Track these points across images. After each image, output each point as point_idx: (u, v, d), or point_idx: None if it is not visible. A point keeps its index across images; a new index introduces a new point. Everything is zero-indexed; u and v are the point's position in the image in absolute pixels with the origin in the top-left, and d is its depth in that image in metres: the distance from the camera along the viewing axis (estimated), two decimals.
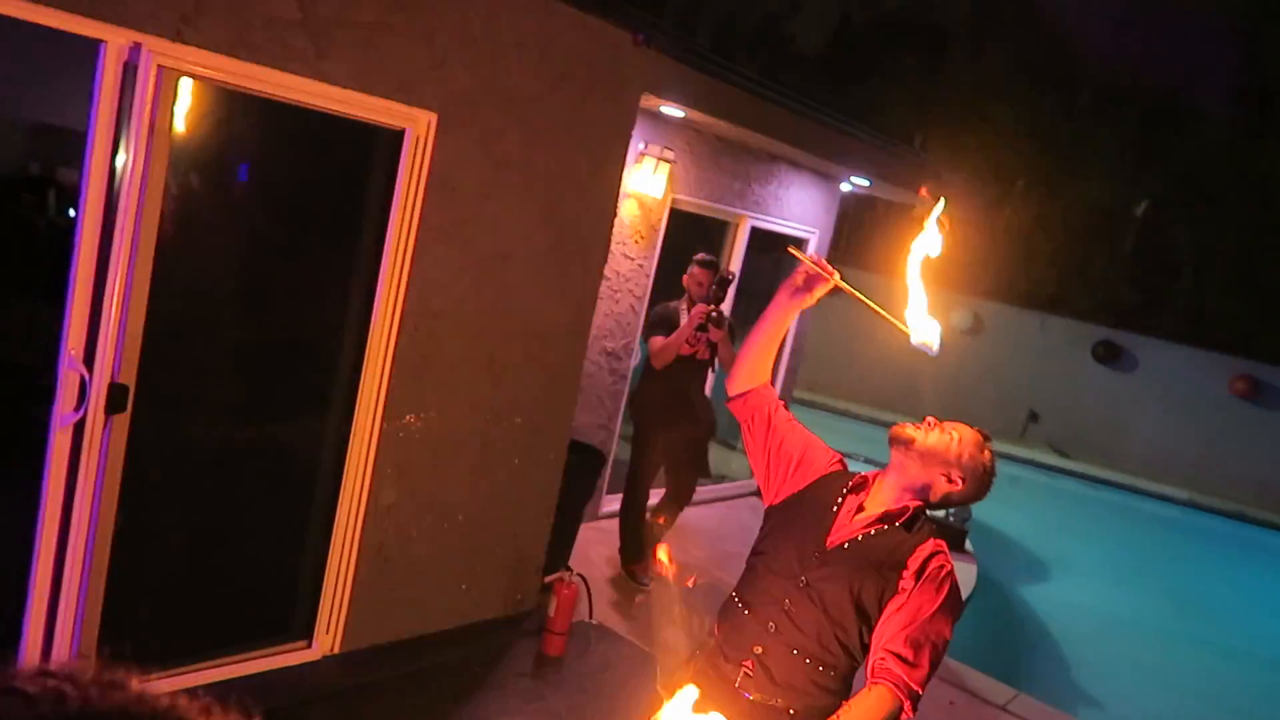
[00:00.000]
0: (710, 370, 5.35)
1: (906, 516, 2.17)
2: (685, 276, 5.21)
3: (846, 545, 2.16)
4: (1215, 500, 12.81)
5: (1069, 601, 7.70)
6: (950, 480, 2.17)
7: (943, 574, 2.10)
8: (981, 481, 2.19)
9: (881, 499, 2.21)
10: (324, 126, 3.31)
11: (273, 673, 3.62)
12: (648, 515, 5.37)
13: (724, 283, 4.99)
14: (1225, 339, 13.94)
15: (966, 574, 6.70)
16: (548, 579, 4.57)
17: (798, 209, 7.11)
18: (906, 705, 1.98)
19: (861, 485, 2.27)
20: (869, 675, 2.05)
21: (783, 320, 2.37)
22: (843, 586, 2.12)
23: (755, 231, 6.77)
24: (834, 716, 2.05)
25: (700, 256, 5.19)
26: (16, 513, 3.05)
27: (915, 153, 8.35)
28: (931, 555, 2.11)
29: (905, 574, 2.09)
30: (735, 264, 6.70)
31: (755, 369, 2.39)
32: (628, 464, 5.33)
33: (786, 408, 2.44)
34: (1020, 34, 18.66)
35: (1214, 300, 16.36)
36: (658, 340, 5.03)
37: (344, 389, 3.64)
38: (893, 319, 2.26)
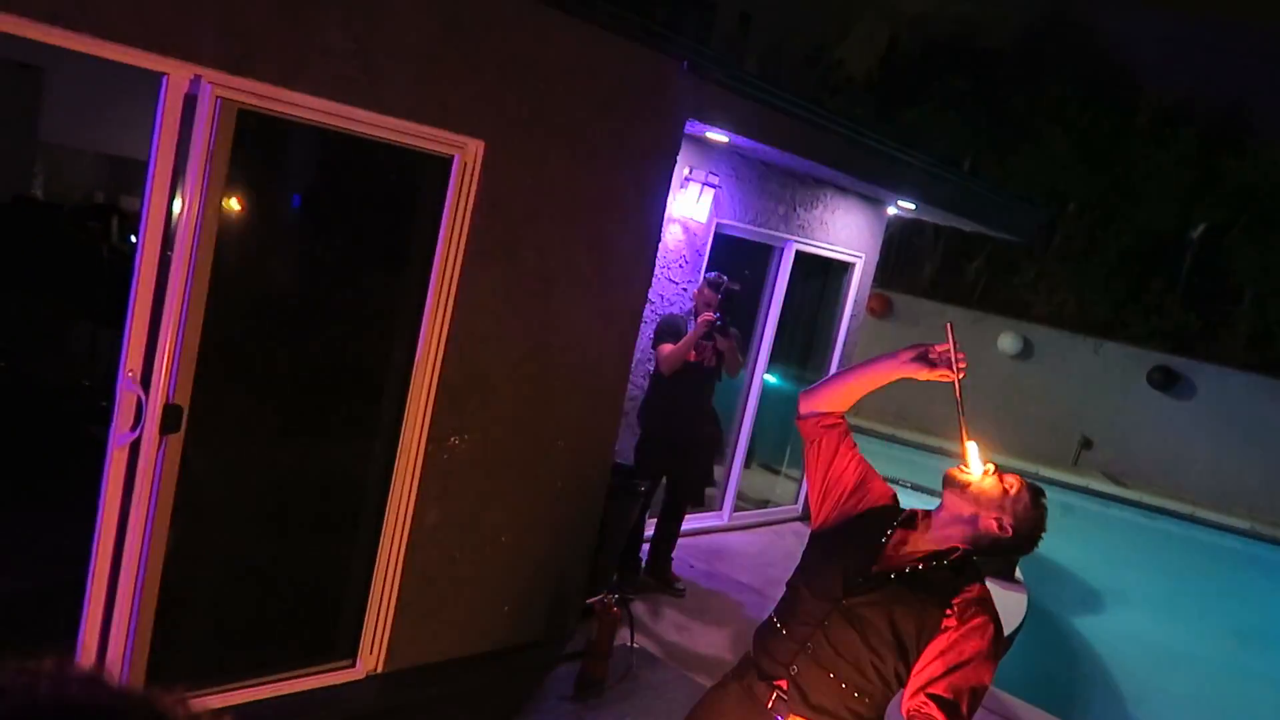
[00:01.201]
0: (717, 378, 5.57)
1: (955, 558, 2.16)
2: (695, 292, 5.53)
3: (893, 575, 2.14)
4: (1278, 530, 12.41)
5: (1124, 633, 7.50)
6: (1001, 528, 2.16)
7: (988, 619, 2.08)
8: (1031, 534, 2.19)
9: (931, 537, 2.21)
10: (373, 154, 3.39)
11: (317, 691, 3.66)
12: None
13: (729, 294, 5.29)
14: None
15: (1016, 603, 6.56)
16: (590, 602, 4.57)
17: (844, 233, 7.09)
18: None
19: (911, 520, 2.26)
20: (905, 715, 2.02)
21: (888, 377, 2.37)
22: (883, 614, 2.10)
23: (800, 255, 6.76)
24: None
25: (709, 276, 5.43)
26: (75, 529, 3.15)
27: (964, 176, 8.28)
28: (979, 600, 2.10)
29: (950, 615, 2.07)
30: (780, 289, 6.70)
31: (837, 399, 2.42)
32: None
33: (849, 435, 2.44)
34: (1074, 55, 18.46)
35: (1277, 325, 15.92)
36: (666, 348, 5.30)
37: (390, 411, 3.69)
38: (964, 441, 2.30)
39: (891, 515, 2.28)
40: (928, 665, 2.04)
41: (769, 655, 2.23)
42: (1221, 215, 16.60)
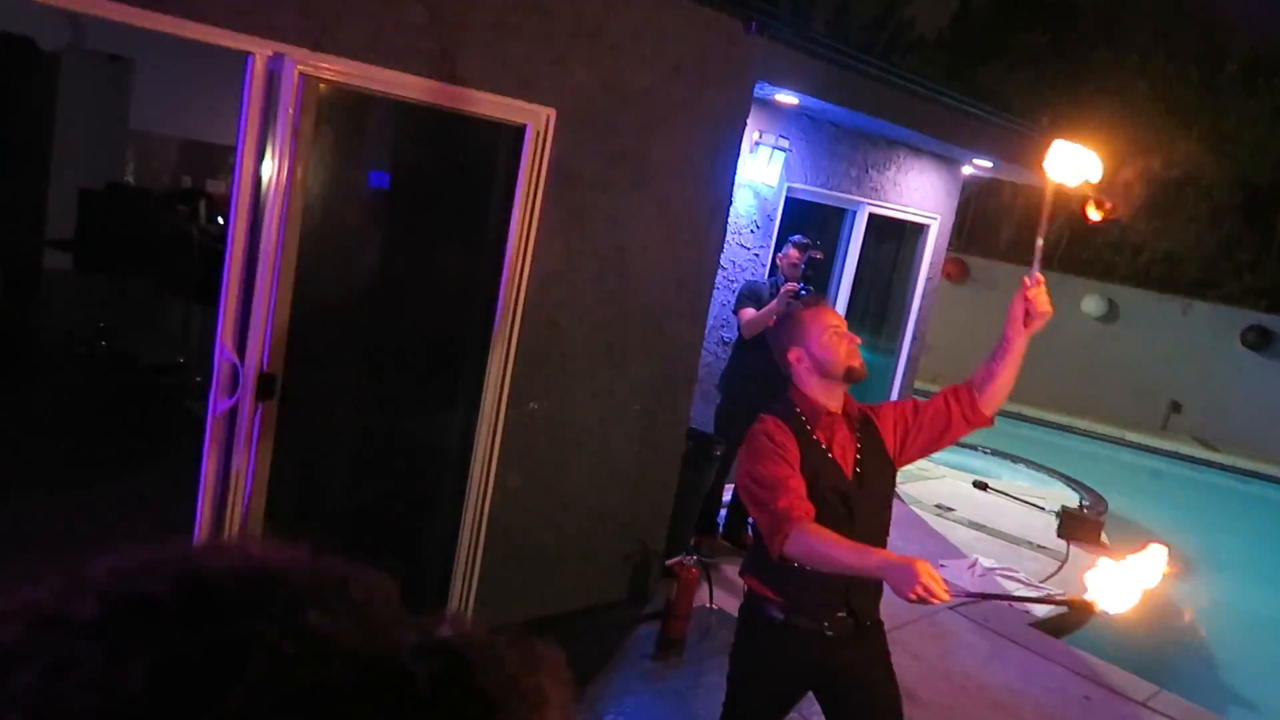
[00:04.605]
0: None
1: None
2: (779, 256, 5.42)
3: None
4: None
5: (1215, 599, 7.29)
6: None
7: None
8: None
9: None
10: (450, 126, 3.46)
11: None
12: None
13: (814, 262, 5.21)
14: None
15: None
16: (669, 563, 4.64)
17: (917, 194, 6.97)
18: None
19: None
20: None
21: (1021, 350, 2.41)
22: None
23: (873, 218, 6.67)
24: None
25: (795, 239, 5.34)
26: (179, 499, 3.31)
27: (1043, 131, 8.04)
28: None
29: None
30: (853, 253, 6.63)
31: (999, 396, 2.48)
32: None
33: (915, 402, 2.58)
34: (1157, 4, 17.68)
35: None
36: (748, 312, 5.25)
37: (470, 377, 3.79)
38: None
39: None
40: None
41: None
42: None
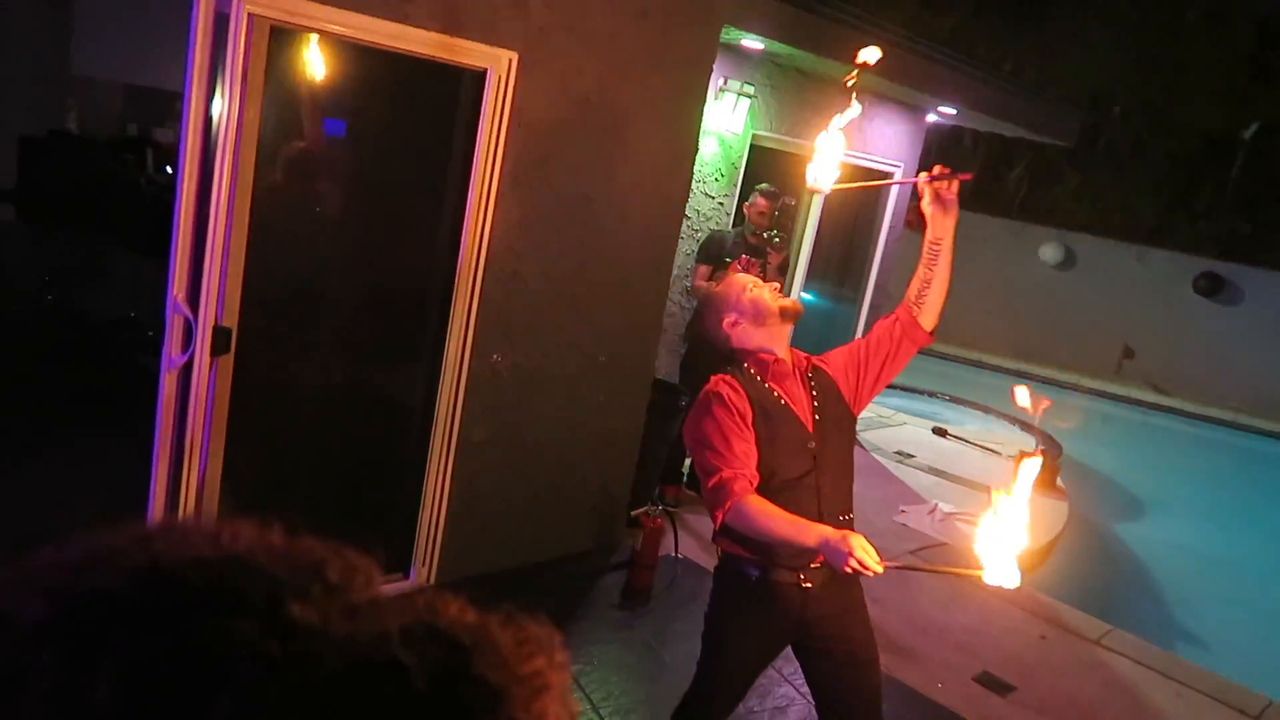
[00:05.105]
0: None
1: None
2: (746, 205, 5.39)
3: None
4: None
5: (1165, 540, 7.50)
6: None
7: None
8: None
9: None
10: (407, 70, 3.35)
11: None
12: None
13: (786, 208, 5.32)
14: None
15: (1058, 511, 6.57)
16: (634, 514, 4.65)
17: (882, 143, 6.93)
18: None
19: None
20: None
21: (951, 247, 2.44)
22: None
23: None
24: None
25: (763, 187, 5.31)
26: (133, 455, 3.24)
27: (1005, 78, 8.03)
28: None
29: None
30: (818, 202, 6.59)
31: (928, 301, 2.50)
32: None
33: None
34: None
35: None
36: (702, 273, 5.25)
37: (433, 329, 3.73)
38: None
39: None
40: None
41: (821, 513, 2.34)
42: (1275, 113, 15.96)
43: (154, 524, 0.44)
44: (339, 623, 0.40)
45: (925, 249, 2.44)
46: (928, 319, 2.47)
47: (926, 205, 2.39)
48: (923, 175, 2.38)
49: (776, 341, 2.43)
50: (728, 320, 2.44)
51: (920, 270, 2.46)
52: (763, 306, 2.40)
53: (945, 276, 2.44)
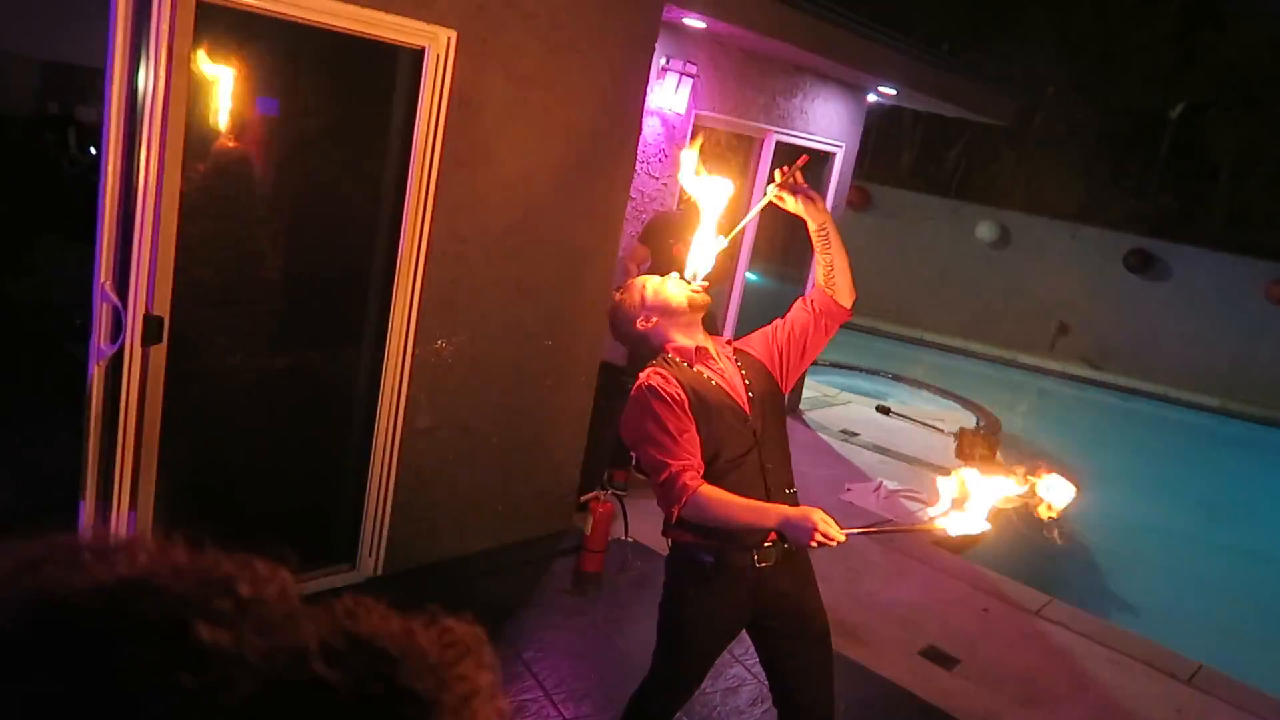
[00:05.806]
0: None
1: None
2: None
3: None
4: (1247, 407, 12.69)
5: (1100, 511, 7.69)
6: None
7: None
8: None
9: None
10: (344, 49, 3.25)
11: (319, 595, 3.70)
12: None
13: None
14: (1264, 244, 13.60)
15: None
16: (583, 498, 4.62)
17: (824, 122, 6.95)
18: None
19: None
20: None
21: (835, 228, 2.52)
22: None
23: (780, 146, 6.64)
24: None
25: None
26: (60, 452, 3.11)
27: (944, 58, 8.10)
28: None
29: None
30: (760, 182, 6.60)
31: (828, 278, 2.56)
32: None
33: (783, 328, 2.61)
34: None
35: (1254, 204, 15.94)
36: (641, 253, 5.17)
37: (375, 315, 3.64)
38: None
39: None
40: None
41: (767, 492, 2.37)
42: (1201, 93, 16.41)
43: (37, 544, 0.40)
44: (253, 642, 0.37)
45: (814, 237, 2.51)
46: (844, 296, 2.54)
47: (793, 206, 2.47)
48: (771, 187, 2.48)
49: (693, 334, 2.46)
50: (640, 321, 2.46)
51: (819, 257, 2.55)
52: (670, 301, 2.43)
53: (843, 254, 2.53)
